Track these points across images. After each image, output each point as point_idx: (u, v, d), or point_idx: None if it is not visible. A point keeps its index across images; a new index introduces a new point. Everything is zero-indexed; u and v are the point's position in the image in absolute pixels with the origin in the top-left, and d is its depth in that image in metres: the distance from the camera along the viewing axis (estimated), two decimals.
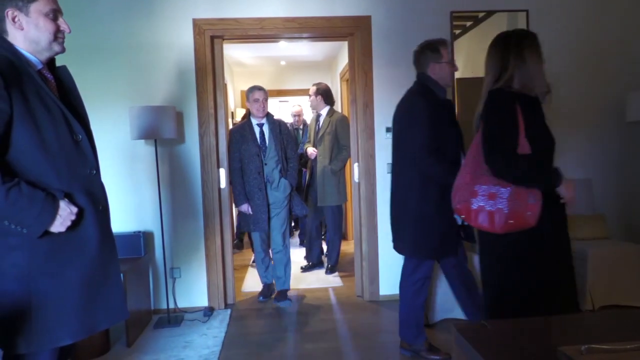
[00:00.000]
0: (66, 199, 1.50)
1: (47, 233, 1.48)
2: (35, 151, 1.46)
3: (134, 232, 3.31)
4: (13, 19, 1.50)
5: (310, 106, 4.61)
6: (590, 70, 3.72)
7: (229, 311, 3.52)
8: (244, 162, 3.54)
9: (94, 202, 1.61)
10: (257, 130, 3.61)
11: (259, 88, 3.58)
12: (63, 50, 1.61)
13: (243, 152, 3.54)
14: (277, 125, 3.65)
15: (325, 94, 4.38)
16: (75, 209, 1.51)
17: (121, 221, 3.40)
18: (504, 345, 1.06)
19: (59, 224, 1.48)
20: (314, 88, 4.39)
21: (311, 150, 4.45)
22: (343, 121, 4.31)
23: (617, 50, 3.73)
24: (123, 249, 3.25)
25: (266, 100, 3.56)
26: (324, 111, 4.40)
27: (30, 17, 1.52)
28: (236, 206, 3.61)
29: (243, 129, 3.61)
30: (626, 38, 3.72)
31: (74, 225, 1.52)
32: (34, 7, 1.52)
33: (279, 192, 3.61)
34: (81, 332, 1.56)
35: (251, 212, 3.54)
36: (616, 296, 3.25)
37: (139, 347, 2.95)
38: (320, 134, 4.35)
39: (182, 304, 3.55)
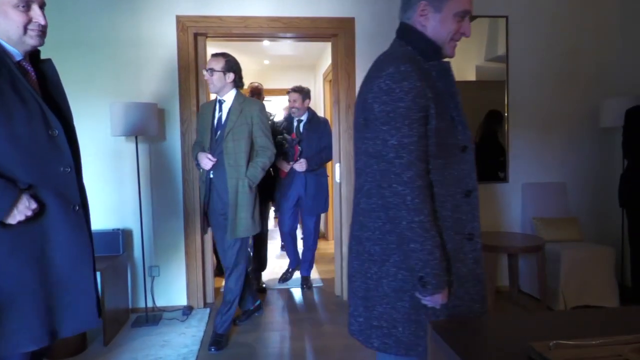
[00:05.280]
0: (28, 194, 1.46)
1: (3, 225, 1.44)
2: (4, 142, 1.44)
3: (113, 230, 3.28)
4: None
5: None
6: (567, 77, 3.83)
7: (208, 310, 3.51)
8: None
9: (66, 202, 1.55)
10: None
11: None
12: (40, 44, 1.55)
13: None
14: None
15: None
16: (34, 206, 1.46)
17: (100, 218, 3.37)
18: (477, 341, 1.09)
19: (13, 216, 1.44)
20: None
21: None
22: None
23: (592, 58, 3.84)
24: (101, 246, 3.23)
25: None
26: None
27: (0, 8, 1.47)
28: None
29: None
30: (601, 46, 3.84)
31: (29, 220, 1.48)
32: None
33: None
34: (44, 338, 1.51)
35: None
36: (588, 297, 3.35)
37: (116, 345, 2.92)
38: None
39: (160, 302, 3.52)
